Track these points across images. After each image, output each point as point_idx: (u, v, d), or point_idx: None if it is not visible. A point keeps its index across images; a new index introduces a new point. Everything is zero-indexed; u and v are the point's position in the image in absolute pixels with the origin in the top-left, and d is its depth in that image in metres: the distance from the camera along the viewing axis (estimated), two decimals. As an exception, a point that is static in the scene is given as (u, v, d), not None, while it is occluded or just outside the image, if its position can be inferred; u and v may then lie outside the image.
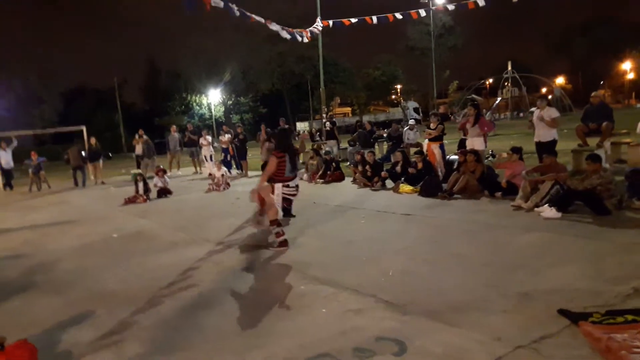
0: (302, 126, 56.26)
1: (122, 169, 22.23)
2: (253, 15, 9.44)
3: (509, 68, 44.05)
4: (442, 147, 10.57)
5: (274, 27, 11.29)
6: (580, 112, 10.78)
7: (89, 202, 12.47)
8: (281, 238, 6.09)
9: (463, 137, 10.15)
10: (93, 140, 17.11)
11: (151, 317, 4.23)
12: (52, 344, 3.86)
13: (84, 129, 18.34)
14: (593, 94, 10.27)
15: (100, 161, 17.25)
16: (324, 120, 19.02)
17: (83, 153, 16.61)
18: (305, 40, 13.47)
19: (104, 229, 8.44)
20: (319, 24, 15.13)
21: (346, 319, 3.81)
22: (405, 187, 9.34)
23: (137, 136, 17.44)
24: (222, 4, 8.06)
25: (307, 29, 13.32)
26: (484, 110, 10.73)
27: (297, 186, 6.57)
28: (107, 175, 18.64)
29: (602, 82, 70.67)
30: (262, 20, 9.88)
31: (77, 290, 5.23)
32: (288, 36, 12.32)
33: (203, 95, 52.42)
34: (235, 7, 8.42)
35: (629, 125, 11.42)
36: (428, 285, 4.38)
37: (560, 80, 70.26)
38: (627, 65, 64.57)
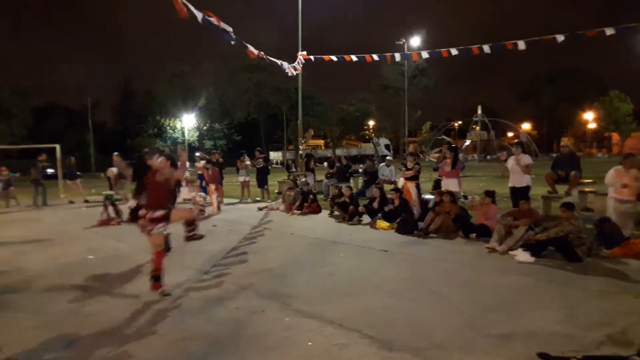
0: (275, 155, 56.51)
1: (92, 188, 21.80)
2: (250, 47, 9.60)
3: (479, 112, 45.47)
4: (417, 186, 10.84)
5: (276, 61, 11.53)
6: (546, 158, 11.27)
7: (61, 222, 12.18)
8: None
9: (438, 177, 10.45)
10: (73, 160, 17.02)
11: (136, 344, 4.19)
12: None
13: (58, 147, 18.07)
14: (562, 143, 10.77)
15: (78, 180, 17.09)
16: (300, 152, 19.25)
17: (49, 170, 16.35)
18: (291, 74, 13.72)
19: (78, 250, 8.28)
20: (301, 59, 15.43)
21: (332, 353, 3.87)
22: (382, 223, 9.51)
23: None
24: (228, 30, 8.18)
25: (292, 64, 13.58)
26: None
27: None
28: (77, 194, 18.22)
29: (564, 131, 73.66)
30: (256, 52, 10.04)
31: (57, 311, 5.15)
32: (283, 67, 12.50)
33: (177, 119, 52.16)
34: (233, 34, 8.54)
35: (591, 173, 11.97)
36: (411, 322, 4.49)
37: (526, 126, 72.89)
38: (589, 115, 67.50)
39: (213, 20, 8.14)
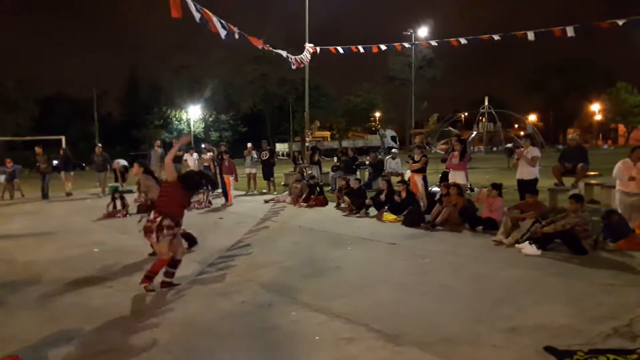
0: (281, 147, 56.46)
1: (97, 181, 21.86)
2: (253, 39, 9.57)
3: (486, 103, 45.22)
4: (424, 179, 10.80)
5: (282, 53, 11.50)
6: (552, 150, 11.23)
7: (66, 214, 12.24)
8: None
9: (445, 170, 10.41)
10: (63, 150, 17.04)
11: (142, 338, 4.21)
12: (40, 360, 3.81)
13: (63, 138, 18.14)
14: (570, 136, 10.71)
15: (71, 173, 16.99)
16: (307, 144, 19.24)
17: (55, 162, 16.34)
18: (296, 66, 13.68)
19: (83, 243, 8.33)
20: (307, 51, 15.37)
21: (340, 348, 3.88)
22: (389, 216, 9.50)
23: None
24: (224, 32, 8.18)
25: (298, 56, 13.53)
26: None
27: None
28: (82, 186, 18.31)
29: (571, 123, 73.19)
30: (261, 44, 10.03)
31: (61, 305, 5.18)
32: (289, 59, 12.46)
33: (183, 110, 52.13)
34: (236, 30, 8.53)
35: (598, 165, 11.90)
36: (418, 316, 4.49)
37: (532, 117, 72.35)
38: (596, 107, 66.96)
39: (215, 20, 8.10)
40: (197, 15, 7.60)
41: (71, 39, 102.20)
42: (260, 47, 10.32)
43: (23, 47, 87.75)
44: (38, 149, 16.17)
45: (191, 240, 7.58)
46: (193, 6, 7.43)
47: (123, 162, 16.73)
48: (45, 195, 15.67)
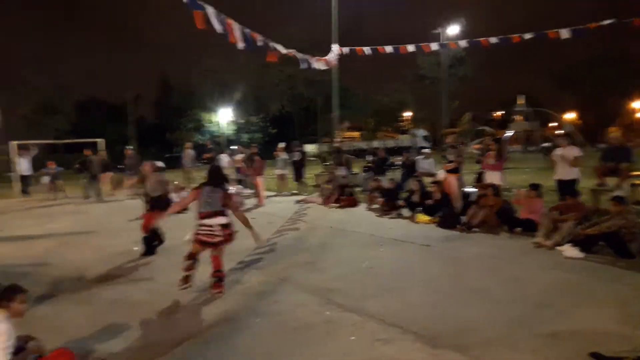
0: (310, 148, 56.50)
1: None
2: (278, 47, 9.59)
3: (522, 102, 44.23)
4: (460, 179, 10.59)
5: (299, 56, 11.48)
6: (592, 149, 10.87)
7: (106, 213, 12.54)
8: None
9: (481, 170, 10.20)
10: (104, 153, 17.58)
11: (182, 333, 4.30)
12: (88, 352, 3.98)
13: (102, 141, 18.69)
14: (612, 134, 10.31)
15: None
16: (334, 145, 19.18)
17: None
18: (323, 67, 13.63)
19: (124, 241, 8.48)
20: (334, 52, 15.31)
21: (376, 348, 3.85)
22: (423, 217, 9.36)
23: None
24: (242, 44, 8.24)
25: (326, 57, 13.49)
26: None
27: (219, 226, 5.66)
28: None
29: (612, 121, 70.63)
30: (285, 50, 10.05)
31: (105, 300, 5.35)
32: (311, 65, 12.42)
33: (214, 113, 52.79)
34: (260, 38, 8.58)
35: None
36: (455, 319, 4.40)
37: (571, 115, 70.20)
38: (638, 104, 64.38)
39: (237, 30, 8.15)
40: (218, 28, 7.66)
41: (103, 44, 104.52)
42: (284, 52, 10.31)
43: (59, 52, 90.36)
44: (87, 152, 16.67)
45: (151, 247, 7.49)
46: (215, 18, 7.51)
47: (159, 163, 16.98)
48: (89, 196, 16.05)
